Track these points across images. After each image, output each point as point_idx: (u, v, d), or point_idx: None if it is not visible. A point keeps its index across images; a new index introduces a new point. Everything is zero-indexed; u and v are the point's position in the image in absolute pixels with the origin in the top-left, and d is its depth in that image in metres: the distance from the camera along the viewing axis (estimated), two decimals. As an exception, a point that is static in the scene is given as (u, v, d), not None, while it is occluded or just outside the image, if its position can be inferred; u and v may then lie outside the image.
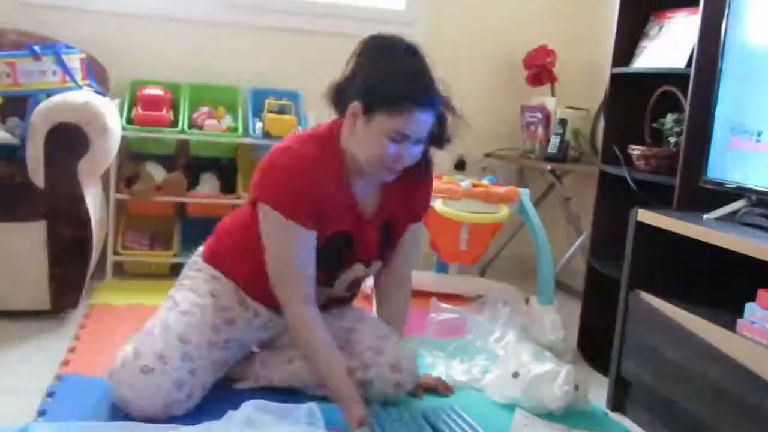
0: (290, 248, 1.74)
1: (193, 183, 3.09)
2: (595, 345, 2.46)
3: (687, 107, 2.12)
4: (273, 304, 1.85)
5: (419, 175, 1.86)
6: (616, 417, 2.02)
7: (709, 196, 2.01)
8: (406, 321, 2.00)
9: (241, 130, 3.07)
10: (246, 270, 1.84)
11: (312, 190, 1.72)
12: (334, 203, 1.76)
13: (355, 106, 1.69)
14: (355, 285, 1.94)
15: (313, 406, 1.63)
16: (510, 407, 1.94)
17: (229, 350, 1.83)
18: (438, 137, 1.80)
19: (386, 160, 1.69)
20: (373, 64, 1.71)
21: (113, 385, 1.70)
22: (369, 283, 2.86)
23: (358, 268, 1.86)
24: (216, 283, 1.86)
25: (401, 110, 1.64)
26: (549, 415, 1.91)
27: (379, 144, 1.67)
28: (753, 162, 1.88)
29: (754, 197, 1.92)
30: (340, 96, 1.75)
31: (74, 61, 2.65)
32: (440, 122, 1.77)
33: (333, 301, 1.97)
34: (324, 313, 1.88)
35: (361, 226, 1.81)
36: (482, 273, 3.52)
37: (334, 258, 1.82)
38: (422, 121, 1.68)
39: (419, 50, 1.76)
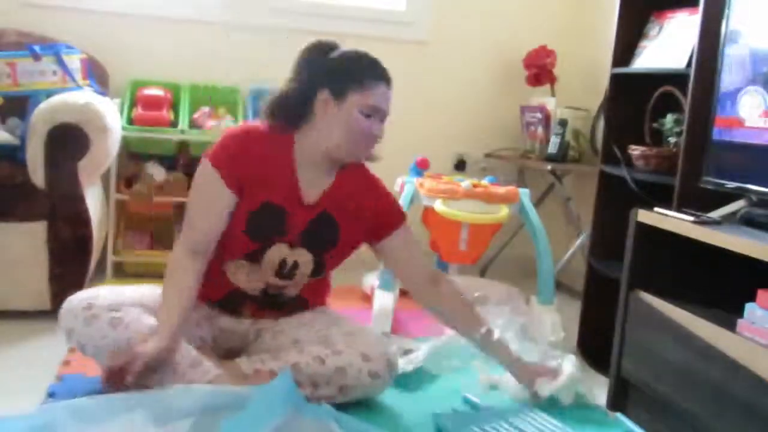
0: (203, 194, 1.84)
1: (193, 183, 3.09)
2: (595, 345, 2.46)
3: (687, 107, 2.12)
4: (214, 298, 1.92)
5: (364, 181, 1.97)
6: (616, 417, 2.02)
7: (709, 196, 2.01)
8: (469, 304, 2.02)
9: (241, 130, 3.06)
10: None
11: (252, 153, 1.84)
12: (274, 174, 1.85)
13: (325, 93, 1.82)
14: (285, 268, 1.89)
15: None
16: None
17: None
18: None
19: (363, 134, 1.82)
20: (331, 57, 1.86)
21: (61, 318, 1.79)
22: (368, 282, 2.87)
23: (283, 248, 1.86)
24: None
25: (369, 86, 1.81)
26: (549, 411, 1.92)
27: (355, 119, 1.81)
28: (753, 162, 1.88)
29: (754, 197, 1.92)
30: (288, 103, 1.87)
31: (74, 61, 2.66)
32: None
33: (282, 300, 1.95)
34: (291, 319, 1.94)
35: (297, 208, 1.86)
36: (482, 273, 3.52)
37: (264, 227, 1.85)
38: (388, 95, 1.85)
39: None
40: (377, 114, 1.83)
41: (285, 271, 1.89)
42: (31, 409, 1.56)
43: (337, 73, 1.83)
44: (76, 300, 1.79)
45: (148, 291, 1.88)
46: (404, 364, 2.11)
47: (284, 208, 1.85)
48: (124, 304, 1.77)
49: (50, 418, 1.48)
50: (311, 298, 2.01)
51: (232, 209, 1.83)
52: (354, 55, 1.86)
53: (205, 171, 1.83)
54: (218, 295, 1.93)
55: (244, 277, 1.90)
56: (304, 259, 1.90)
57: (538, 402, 1.93)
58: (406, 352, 2.25)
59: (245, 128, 1.91)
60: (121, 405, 1.55)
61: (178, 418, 1.52)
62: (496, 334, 1.98)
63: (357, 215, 1.93)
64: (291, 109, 1.86)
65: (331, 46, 1.89)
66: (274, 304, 1.95)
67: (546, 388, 1.93)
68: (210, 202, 1.83)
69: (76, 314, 1.76)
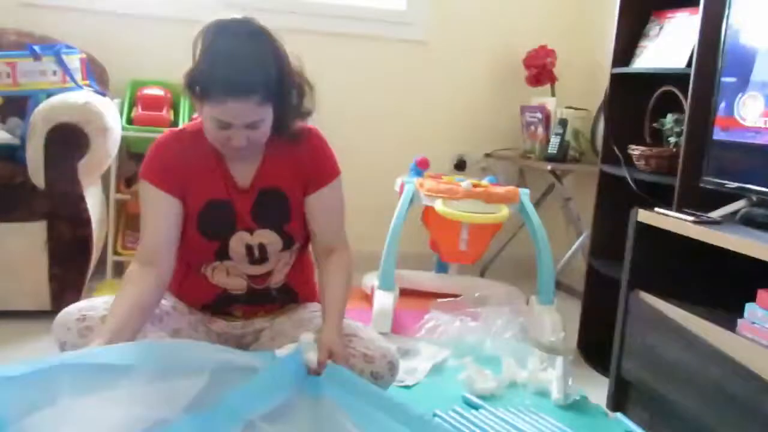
0: (146, 207, 1.81)
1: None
2: (595, 345, 2.46)
3: (687, 107, 2.12)
4: (204, 304, 1.91)
5: (299, 143, 1.84)
6: (616, 417, 2.02)
7: (709, 196, 2.01)
8: (340, 296, 1.85)
9: (241, 130, 3.06)
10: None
11: (179, 156, 1.79)
12: (205, 171, 1.81)
13: (195, 90, 1.70)
14: (254, 253, 1.86)
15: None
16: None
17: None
18: (293, 111, 1.79)
19: (219, 144, 1.74)
20: (202, 52, 1.71)
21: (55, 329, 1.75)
22: (368, 282, 2.87)
23: (243, 235, 1.84)
24: None
25: (213, 101, 1.64)
26: (549, 411, 1.92)
27: (210, 128, 1.71)
28: (753, 162, 1.88)
29: (754, 197, 1.92)
30: (188, 86, 1.72)
31: (74, 61, 2.66)
32: (283, 101, 1.74)
33: (270, 294, 1.94)
34: (287, 319, 1.92)
35: (237, 195, 1.84)
36: (482, 273, 3.52)
37: (218, 225, 1.83)
38: (239, 109, 1.64)
39: (256, 32, 1.78)
40: (232, 126, 1.67)
41: (256, 256, 1.87)
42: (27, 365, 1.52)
43: (195, 75, 1.68)
44: (70, 312, 1.76)
45: None
46: (405, 375, 2.11)
47: (226, 199, 1.83)
48: None
49: (46, 377, 1.42)
50: (300, 289, 1.98)
51: (178, 213, 1.80)
52: (205, 64, 1.67)
53: (143, 188, 1.81)
54: (207, 299, 1.92)
55: (224, 276, 1.89)
56: (269, 238, 1.86)
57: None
58: (406, 352, 2.25)
59: (165, 135, 1.85)
60: (131, 354, 1.53)
61: (187, 373, 1.50)
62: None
63: (298, 175, 1.85)
64: (189, 95, 1.75)
65: (217, 32, 1.72)
66: (263, 300, 1.95)
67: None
68: (153, 211, 1.80)
69: (69, 326, 1.73)
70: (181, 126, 1.87)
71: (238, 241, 1.85)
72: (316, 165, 1.87)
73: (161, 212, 1.80)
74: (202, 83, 1.67)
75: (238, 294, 1.92)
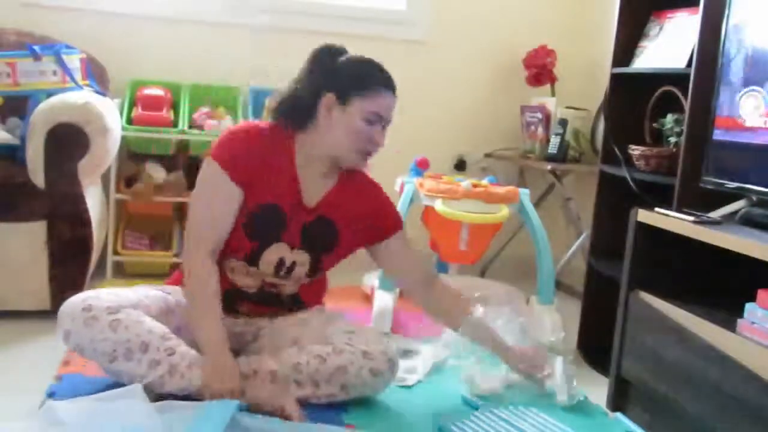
0: (213, 194, 1.84)
1: (192, 183, 3.07)
2: (595, 345, 2.46)
3: (687, 107, 2.12)
4: None
5: (367, 189, 2.00)
6: (616, 417, 2.02)
7: (709, 196, 2.01)
8: (460, 304, 2.06)
9: (241, 130, 3.06)
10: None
11: (254, 152, 1.85)
12: (275, 175, 1.86)
13: (330, 97, 1.84)
14: (283, 268, 1.90)
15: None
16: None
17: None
18: None
19: (364, 140, 1.84)
20: (338, 61, 1.87)
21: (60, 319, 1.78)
22: (368, 282, 2.87)
23: (282, 248, 1.87)
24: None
25: (373, 92, 1.83)
26: (549, 411, 1.92)
27: (356, 125, 1.82)
28: (753, 162, 1.88)
29: (754, 197, 1.92)
30: (296, 103, 1.88)
31: (74, 61, 2.66)
32: None
33: (279, 298, 1.96)
34: (288, 318, 1.95)
35: (296, 209, 1.87)
36: (482, 273, 3.52)
37: (264, 228, 1.86)
38: (391, 103, 1.86)
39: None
40: (379, 121, 1.84)
41: (282, 271, 1.90)
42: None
43: (343, 77, 1.84)
44: (75, 302, 1.78)
45: (149, 292, 1.88)
46: (405, 374, 2.11)
47: (284, 210, 1.86)
48: (123, 306, 1.76)
49: None
50: (308, 298, 2.01)
51: (239, 203, 1.84)
52: (362, 61, 1.88)
53: (211, 171, 1.84)
54: None
55: (241, 275, 1.91)
56: (302, 259, 1.90)
57: (537, 386, 1.98)
58: (406, 352, 2.25)
59: (246, 127, 1.91)
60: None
61: None
62: (483, 322, 2.04)
63: (356, 219, 1.95)
64: (296, 110, 1.88)
65: (339, 51, 1.91)
66: (271, 302, 1.96)
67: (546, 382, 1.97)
68: (222, 201, 1.83)
69: (74, 316, 1.75)
70: (263, 123, 1.94)
71: (275, 252, 1.88)
72: (384, 216, 2.01)
73: (231, 203, 1.84)
74: (360, 78, 1.83)
75: (248, 292, 1.92)
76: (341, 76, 1.84)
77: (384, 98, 1.84)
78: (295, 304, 1.99)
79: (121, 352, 1.70)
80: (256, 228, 1.85)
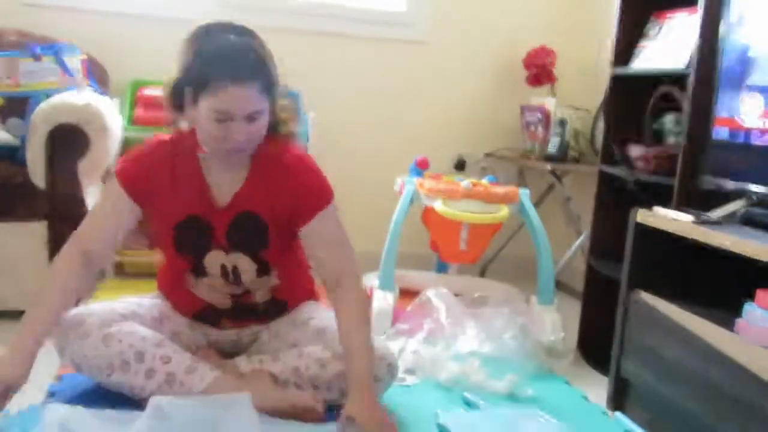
0: (102, 201, 1.82)
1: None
2: (595, 345, 2.46)
3: (687, 107, 2.12)
4: (193, 314, 1.92)
5: (286, 169, 1.78)
6: (616, 417, 2.02)
7: (709, 196, 2.01)
8: (358, 353, 1.70)
9: (241, 130, 3.06)
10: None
11: (159, 167, 1.75)
12: (184, 185, 1.76)
13: (187, 92, 1.67)
14: (228, 274, 1.84)
15: None
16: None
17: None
18: (282, 112, 1.77)
19: (216, 141, 1.67)
20: (194, 50, 1.69)
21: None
22: (368, 282, 2.87)
23: (219, 255, 1.81)
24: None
25: (214, 88, 1.60)
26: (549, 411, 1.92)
27: (206, 126, 1.65)
28: (753, 162, 1.88)
29: (754, 197, 1.92)
30: (176, 92, 1.71)
31: (74, 61, 2.66)
32: (275, 98, 1.72)
33: (257, 308, 1.93)
34: (283, 321, 1.92)
35: (213, 213, 1.78)
36: (482, 273, 3.51)
37: (193, 241, 1.81)
38: (240, 95, 1.61)
39: (246, 31, 1.78)
40: (232, 118, 1.62)
41: (230, 278, 1.84)
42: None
43: (192, 71, 1.65)
44: (68, 318, 1.76)
45: (141, 301, 1.89)
46: (405, 375, 2.12)
47: (202, 216, 1.78)
48: (115, 320, 1.75)
49: None
50: (290, 298, 1.95)
51: (131, 220, 1.78)
52: (206, 51, 1.65)
53: (110, 185, 1.78)
54: (195, 310, 1.91)
55: (207, 292, 1.88)
56: (243, 262, 1.82)
57: None
58: (406, 352, 2.25)
59: (155, 140, 1.81)
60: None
61: None
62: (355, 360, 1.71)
63: (279, 204, 1.77)
64: (174, 108, 1.73)
65: (209, 32, 1.71)
66: (249, 314, 1.92)
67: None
68: (110, 208, 1.77)
69: (67, 333, 1.74)
70: (168, 135, 1.82)
71: (213, 260, 1.82)
72: (304, 194, 1.77)
73: (117, 212, 1.76)
74: (201, 74, 1.62)
75: (224, 309, 1.90)
76: (192, 71, 1.65)
77: (228, 93, 1.59)
78: (276, 308, 1.94)
79: (117, 365, 1.70)
80: (182, 242, 1.81)
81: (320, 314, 1.94)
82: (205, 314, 1.91)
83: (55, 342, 1.77)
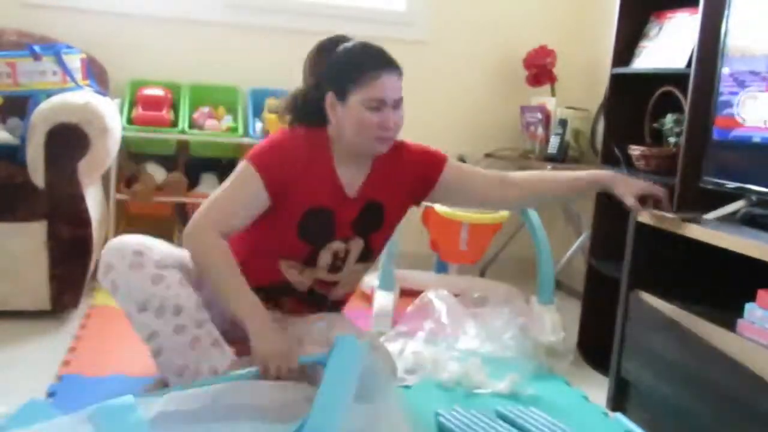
0: (238, 188, 1.80)
1: (193, 183, 3.09)
2: (595, 345, 2.46)
3: (687, 107, 2.12)
4: (260, 284, 1.89)
5: (400, 156, 1.94)
6: (616, 417, 2.02)
7: (709, 196, 2.01)
8: (543, 177, 2.08)
9: (241, 130, 3.07)
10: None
11: (293, 159, 1.82)
12: (316, 178, 1.84)
13: (330, 95, 1.81)
14: (337, 262, 1.92)
15: None
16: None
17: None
18: None
19: (372, 130, 1.78)
20: (330, 57, 1.83)
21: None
22: (368, 282, 2.87)
23: (337, 244, 1.89)
24: None
25: (368, 79, 1.76)
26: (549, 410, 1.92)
27: (361, 117, 1.77)
28: (753, 162, 1.88)
29: (754, 197, 1.92)
30: (308, 102, 1.85)
31: (74, 61, 2.65)
32: None
33: (325, 301, 1.97)
34: (296, 319, 1.93)
35: (342, 205, 1.87)
36: (482, 273, 3.51)
37: (316, 231, 1.86)
38: (390, 82, 1.78)
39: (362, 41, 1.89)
40: (385, 105, 1.78)
41: (337, 263, 1.91)
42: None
43: (336, 72, 1.80)
44: (128, 242, 1.77)
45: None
46: (405, 375, 2.12)
47: (331, 209, 1.86)
48: (169, 266, 1.76)
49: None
50: (347, 301, 2.06)
51: (261, 209, 1.81)
52: (351, 51, 1.81)
53: (246, 171, 1.80)
54: (264, 282, 1.89)
55: (295, 274, 1.91)
56: (356, 246, 1.92)
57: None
58: (403, 351, 2.26)
59: (286, 134, 1.88)
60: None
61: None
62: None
63: (401, 189, 1.94)
64: (307, 113, 1.86)
65: (335, 43, 1.85)
66: (316, 303, 1.96)
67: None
68: (246, 198, 1.79)
69: (124, 255, 1.74)
70: (300, 128, 1.89)
71: (329, 250, 1.88)
72: (423, 165, 1.96)
73: (251, 198, 1.80)
74: (353, 68, 1.77)
75: (298, 290, 1.92)
76: (334, 72, 1.80)
77: (381, 81, 1.76)
78: (336, 308, 2.02)
79: (154, 306, 1.71)
80: (308, 233, 1.85)
81: (330, 317, 1.97)
82: (272, 289, 1.91)
83: (102, 258, 1.77)
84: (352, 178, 1.88)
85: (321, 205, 1.85)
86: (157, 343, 1.72)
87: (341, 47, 1.83)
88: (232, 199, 1.80)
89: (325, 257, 1.89)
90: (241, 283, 1.72)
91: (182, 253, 1.83)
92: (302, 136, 1.86)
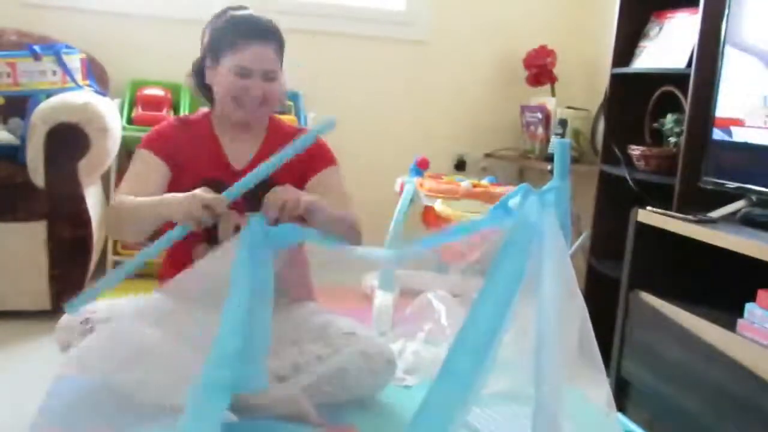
0: (134, 167, 1.90)
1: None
2: (595, 345, 2.46)
3: (687, 107, 2.12)
4: None
5: (293, 135, 1.91)
6: (616, 417, 2.02)
7: (709, 196, 2.01)
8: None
9: (241, 130, 3.06)
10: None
11: (179, 136, 1.91)
12: (202, 151, 1.91)
13: (207, 60, 1.89)
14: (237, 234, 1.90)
15: None
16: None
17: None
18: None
19: (238, 91, 1.83)
20: (221, 21, 1.91)
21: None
22: (368, 282, 2.87)
23: (233, 215, 1.84)
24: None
25: (239, 45, 1.82)
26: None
27: (228, 81, 1.83)
28: (753, 162, 1.88)
29: (754, 197, 1.92)
30: (200, 69, 1.92)
31: (74, 61, 2.66)
32: (282, 68, 1.92)
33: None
34: (284, 319, 1.89)
35: (230, 176, 1.86)
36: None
37: None
38: (261, 52, 1.84)
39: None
40: (252, 73, 1.83)
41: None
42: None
43: (214, 38, 1.88)
44: (74, 314, 1.78)
45: (145, 302, 1.88)
46: (405, 375, 2.11)
47: (219, 180, 1.84)
48: (120, 317, 1.78)
49: None
50: (292, 286, 1.95)
51: (164, 181, 1.87)
52: (233, 19, 1.89)
53: (137, 153, 1.91)
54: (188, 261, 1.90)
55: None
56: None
57: None
58: (402, 352, 2.25)
59: (172, 118, 2.00)
60: None
61: None
62: None
63: (291, 168, 1.85)
64: (200, 80, 1.93)
65: (227, 10, 1.92)
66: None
67: None
68: (144, 171, 1.87)
69: (73, 328, 1.78)
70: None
71: (228, 222, 1.85)
72: (312, 155, 1.92)
73: (150, 174, 1.87)
74: (227, 34, 1.84)
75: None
76: (214, 39, 1.88)
77: (251, 50, 1.82)
78: (278, 291, 1.95)
79: (121, 361, 1.71)
80: None
81: (321, 313, 1.97)
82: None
83: (58, 338, 1.78)
84: (237, 151, 1.93)
85: (210, 176, 1.87)
86: (141, 389, 1.72)
87: (229, 14, 1.91)
88: (134, 174, 1.90)
89: (226, 229, 1.85)
90: (159, 198, 1.78)
91: (132, 302, 1.89)
92: (185, 117, 1.98)
